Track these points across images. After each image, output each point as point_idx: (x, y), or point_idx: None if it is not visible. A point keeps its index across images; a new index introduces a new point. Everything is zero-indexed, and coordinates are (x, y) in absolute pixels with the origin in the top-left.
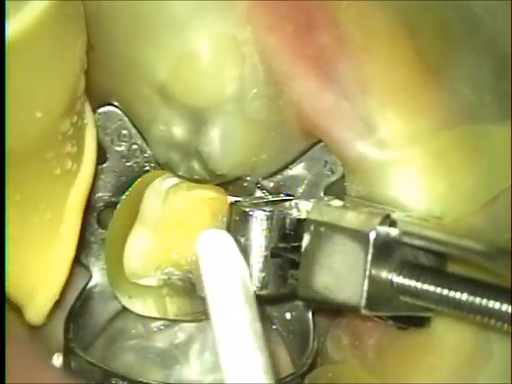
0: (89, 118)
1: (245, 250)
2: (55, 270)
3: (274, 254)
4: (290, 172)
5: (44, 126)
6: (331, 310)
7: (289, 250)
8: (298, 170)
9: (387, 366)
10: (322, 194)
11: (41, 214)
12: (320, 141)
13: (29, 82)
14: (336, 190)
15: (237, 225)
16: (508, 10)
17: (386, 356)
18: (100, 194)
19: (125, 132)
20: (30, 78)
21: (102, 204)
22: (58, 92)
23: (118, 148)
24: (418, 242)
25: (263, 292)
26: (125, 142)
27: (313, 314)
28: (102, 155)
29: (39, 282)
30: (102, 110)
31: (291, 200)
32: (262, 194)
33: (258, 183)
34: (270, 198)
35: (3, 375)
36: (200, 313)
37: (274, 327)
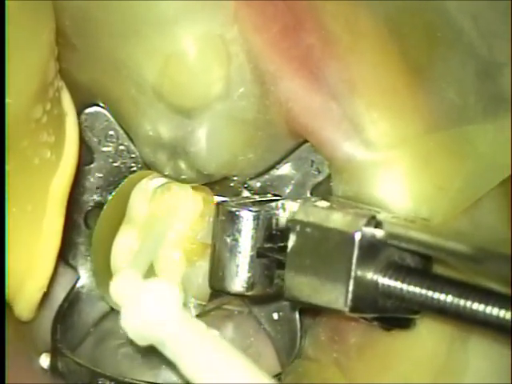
0: (68, 108)
1: (231, 250)
2: (41, 261)
3: (260, 254)
4: (276, 172)
5: (14, 112)
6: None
7: (275, 250)
8: (285, 169)
9: (361, 368)
10: (308, 194)
11: (21, 205)
12: (307, 140)
13: None
14: (323, 189)
15: (223, 225)
16: (490, 15)
17: (363, 357)
18: (87, 195)
19: (112, 133)
20: None
21: (89, 205)
22: (27, 77)
23: (105, 149)
24: (403, 244)
25: (249, 292)
26: (112, 142)
27: (300, 314)
28: (88, 156)
29: (25, 275)
30: (88, 110)
31: (278, 200)
32: (249, 195)
33: (244, 183)
34: (257, 198)
35: (3, 375)
36: None
37: (262, 327)
